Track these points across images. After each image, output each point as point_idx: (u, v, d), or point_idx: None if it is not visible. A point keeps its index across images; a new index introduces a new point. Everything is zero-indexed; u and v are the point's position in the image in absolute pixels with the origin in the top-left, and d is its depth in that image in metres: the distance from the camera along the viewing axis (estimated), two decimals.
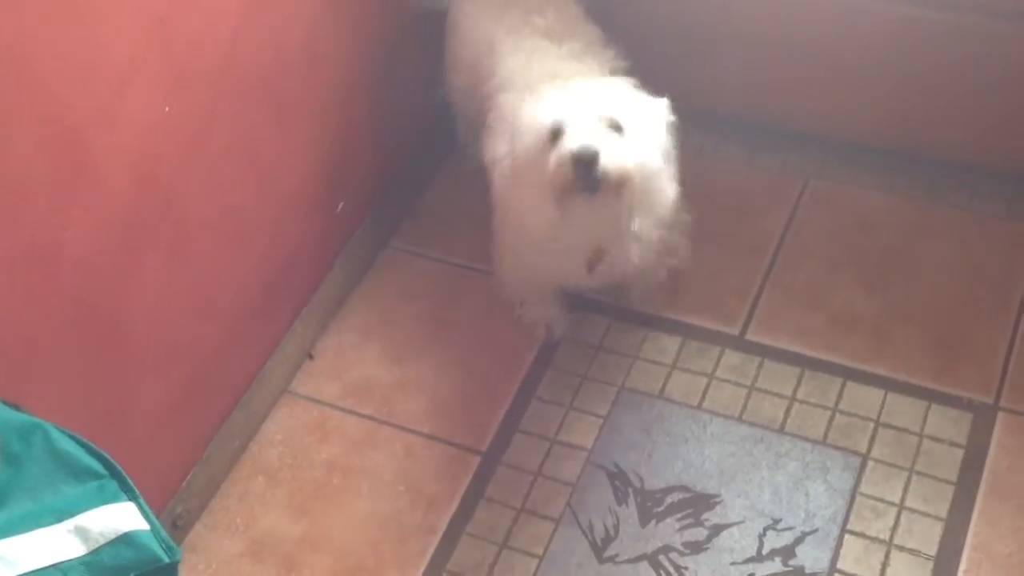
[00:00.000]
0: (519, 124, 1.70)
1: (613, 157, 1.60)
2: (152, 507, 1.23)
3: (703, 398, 1.91)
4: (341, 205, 2.06)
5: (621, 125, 1.63)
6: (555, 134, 1.63)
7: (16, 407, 1.22)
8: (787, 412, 1.88)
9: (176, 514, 1.78)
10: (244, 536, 1.82)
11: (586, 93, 1.68)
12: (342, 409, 1.96)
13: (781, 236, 2.12)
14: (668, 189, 1.75)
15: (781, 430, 1.86)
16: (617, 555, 1.74)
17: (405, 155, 2.22)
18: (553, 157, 1.62)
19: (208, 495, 1.86)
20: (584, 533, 1.77)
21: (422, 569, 1.76)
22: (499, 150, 1.83)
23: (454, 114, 2.21)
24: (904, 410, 1.86)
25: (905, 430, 1.84)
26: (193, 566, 1.78)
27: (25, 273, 1.42)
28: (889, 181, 2.17)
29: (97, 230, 1.51)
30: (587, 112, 1.63)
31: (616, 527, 1.77)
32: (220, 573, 1.78)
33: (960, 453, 1.80)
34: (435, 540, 1.79)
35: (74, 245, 1.48)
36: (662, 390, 1.93)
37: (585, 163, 1.59)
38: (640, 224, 1.71)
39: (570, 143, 1.60)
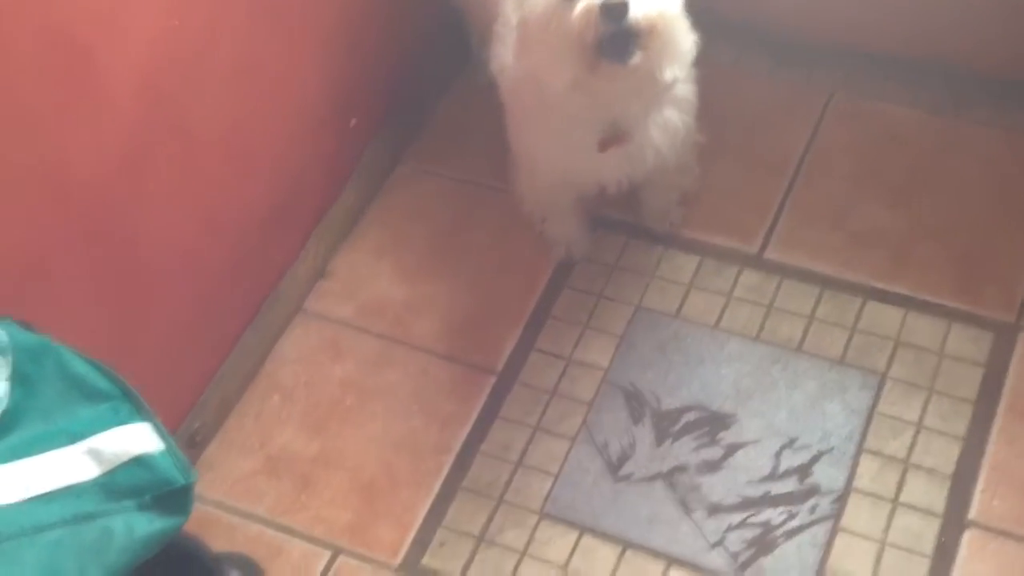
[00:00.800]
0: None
1: (642, 4, 1.52)
2: (167, 425, 1.22)
3: (720, 318, 1.89)
4: (354, 121, 2.02)
5: None
6: None
7: (28, 327, 1.21)
8: (805, 332, 1.86)
9: (193, 430, 1.79)
10: (260, 454, 1.82)
11: None
12: (356, 328, 1.95)
13: (803, 151, 2.07)
14: (688, 36, 1.67)
15: (799, 349, 1.84)
16: (632, 474, 1.74)
17: (416, 70, 2.17)
18: (578, 8, 1.53)
19: (223, 413, 1.86)
20: (599, 452, 1.77)
21: (437, 487, 1.76)
22: (507, 57, 1.77)
23: (467, 25, 2.16)
24: (924, 329, 1.84)
25: (925, 349, 1.81)
26: (210, 483, 1.79)
27: (34, 192, 1.40)
28: (915, 95, 2.11)
29: (104, 147, 1.48)
30: None
31: (632, 446, 1.77)
32: (236, 490, 1.79)
33: (980, 372, 1.78)
34: (450, 459, 1.79)
35: (81, 163, 1.45)
36: (679, 309, 1.91)
37: (615, 12, 1.51)
38: (670, 73, 1.62)
39: None
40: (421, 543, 1.71)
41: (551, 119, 1.72)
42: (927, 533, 1.64)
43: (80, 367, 1.13)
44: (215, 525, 1.74)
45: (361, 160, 2.08)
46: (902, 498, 1.68)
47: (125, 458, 1.08)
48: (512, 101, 1.82)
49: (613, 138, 1.71)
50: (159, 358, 1.69)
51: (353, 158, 2.06)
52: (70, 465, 1.06)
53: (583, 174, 1.83)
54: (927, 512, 1.66)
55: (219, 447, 1.84)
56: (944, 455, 1.71)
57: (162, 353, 1.70)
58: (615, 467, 1.75)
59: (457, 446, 1.80)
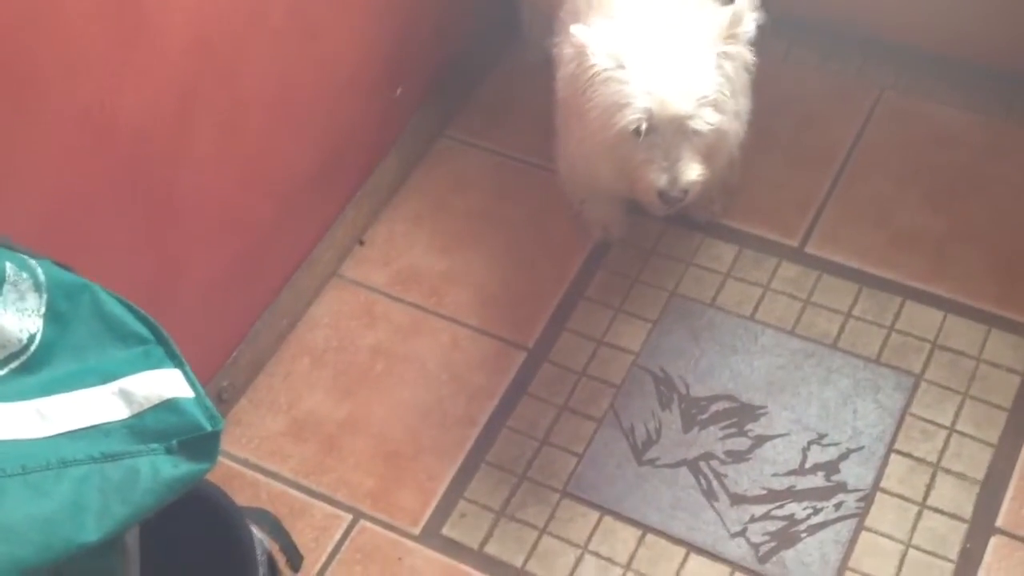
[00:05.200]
0: (601, 94, 1.61)
1: (698, 178, 1.62)
2: (198, 379, 1.22)
3: (756, 309, 1.87)
4: (400, 90, 2.02)
5: (706, 125, 1.59)
6: (637, 133, 1.59)
7: (67, 268, 1.21)
8: (842, 328, 1.84)
9: (222, 387, 1.79)
10: (287, 415, 1.83)
11: (671, 76, 1.58)
12: (389, 296, 1.95)
13: (850, 148, 2.05)
14: (738, 131, 1.70)
15: (834, 346, 1.82)
16: (657, 459, 1.73)
17: (466, 42, 2.16)
18: (643, 183, 1.63)
19: (253, 372, 1.86)
20: (625, 435, 1.76)
21: (460, 459, 1.76)
22: (568, 51, 1.76)
23: (519, 2, 2.15)
24: (963, 333, 1.81)
25: (962, 353, 1.79)
26: (236, 439, 1.80)
27: (81, 137, 1.40)
28: (966, 97, 2.08)
29: (152, 97, 1.48)
30: (674, 113, 1.57)
31: (658, 431, 1.76)
32: (262, 449, 1.79)
33: (1017, 380, 1.76)
34: (475, 432, 1.78)
35: (130, 111, 1.46)
36: (714, 298, 1.90)
37: (672, 201, 1.63)
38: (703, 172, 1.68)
39: (658, 180, 1.60)
40: (442, 513, 1.71)
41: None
42: (953, 538, 1.62)
43: (115, 308, 1.13)
44: (240, 481, 1.75)
45: (405, 129, 2.07)
46: (929, 501, 1.66)
47: (155, 401, 1.08)
48: (564, 88, 1.80)
49: None
50: (193, 312, 1.70)
51: (398, 127, 2.06)
52: (100, 404, 1.07)
53: (621, 182, 1.82)
54: (954, 517, 1.64)
55: (248, 405, 1.84)
56: (975, 461, 1.68)
57: (196, 307, 1.71)
58: (640, 451, 1.74)
59: (483, 419, 1.80)
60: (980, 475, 1.67)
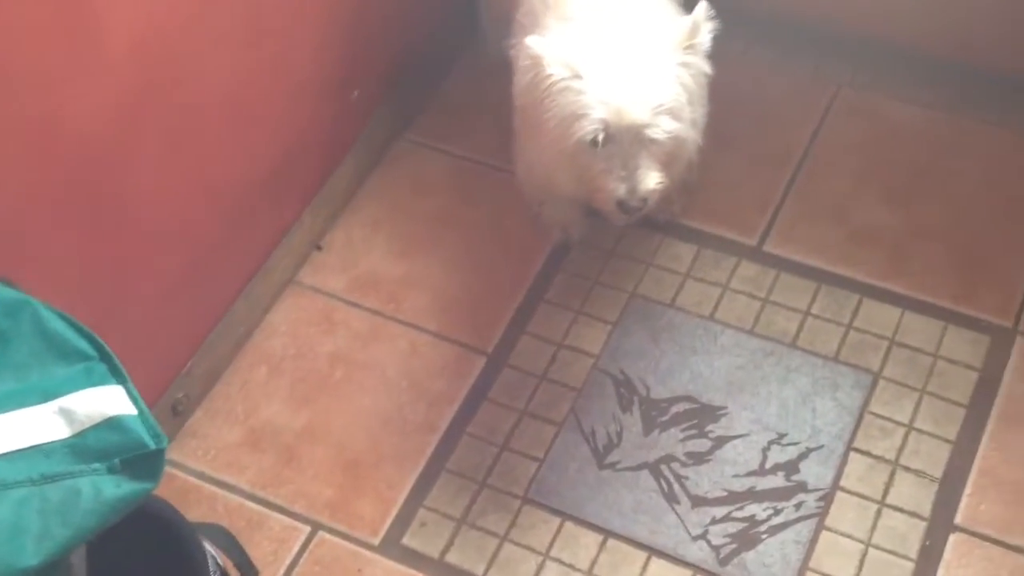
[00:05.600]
0: (558, 104, 1.60)
1: (656, 187, 1.61)
2: (152, 392, 1.20)
3: (715, 308, 1.87)
4: (356, 93, 2.00)
5: (663, 134, 1.58)
6: (595, 143, 1.59)
7: (8, 283, 1.19)
8: (800, 326, 1.84)
9: (176, 400, 1.77)
10: (244, 425, 1.81)
11: (627, 85, 1.57)
12: (348, 302, 1.93)
13: (807, 145, 2.05)
14: (695, 139, 1.70)
15: (793, 344, 1.82)
16: (618, 462, 1.72)
17: (422, 45, 2.15)
18: (601, 192, 1.62)
19: (209, 382, 1.84)
20: (586, 439, 1.75)
21: (421, 466, 1.74)
22: (524, 61, 1.75)
23: (477, 3, 2.13)
24: (920, 330, 1.81)
25: (920, 350, 1.79)
26: (192, 452, 1.77)
27: (23, 147, 1.38)
28: (923, 93, 2.08)
29: (97, 103, 1.46)
30: (631, 122, 1.56)
31: (619, 434, 1.75)
32: (219, 460, 1.77)
33: (974, 376, 1.76)
34: (435, 439, 1.77)
35: (72, 118, 1.43)
36: (674, 298, 1.89)
37: (631, 211, 1.63)
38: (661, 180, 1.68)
39: (617, 190, 1.60)
40: (402, 522, 1.70)
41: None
42: (912, 535, 1.62)
43: (57, 324, 1.11)
44: (195, 494, 1.73)
45: (362, 133, 2.05)
46: (889, 499, 1.66)
47: (97, 419, 1.06)
48: (521, 96, 1.79)
49: None
50: (146, 323, 1.67)
51: (354, 130, 2.04)
52: (40, 424, 1.05)
53: (580, 190, 1.82)
54: (913, 514, 1.64)
55: (204, 416, 1.82)
56: (933, 458, 1.69)
57: (149, 318, 1.68)
58: (601, 455, 1.73)
59: (444, 426, 1.78)
60: (939, 472, 1.67)
